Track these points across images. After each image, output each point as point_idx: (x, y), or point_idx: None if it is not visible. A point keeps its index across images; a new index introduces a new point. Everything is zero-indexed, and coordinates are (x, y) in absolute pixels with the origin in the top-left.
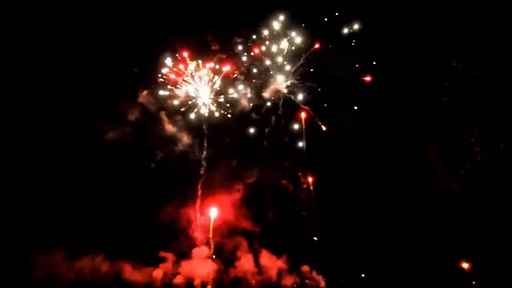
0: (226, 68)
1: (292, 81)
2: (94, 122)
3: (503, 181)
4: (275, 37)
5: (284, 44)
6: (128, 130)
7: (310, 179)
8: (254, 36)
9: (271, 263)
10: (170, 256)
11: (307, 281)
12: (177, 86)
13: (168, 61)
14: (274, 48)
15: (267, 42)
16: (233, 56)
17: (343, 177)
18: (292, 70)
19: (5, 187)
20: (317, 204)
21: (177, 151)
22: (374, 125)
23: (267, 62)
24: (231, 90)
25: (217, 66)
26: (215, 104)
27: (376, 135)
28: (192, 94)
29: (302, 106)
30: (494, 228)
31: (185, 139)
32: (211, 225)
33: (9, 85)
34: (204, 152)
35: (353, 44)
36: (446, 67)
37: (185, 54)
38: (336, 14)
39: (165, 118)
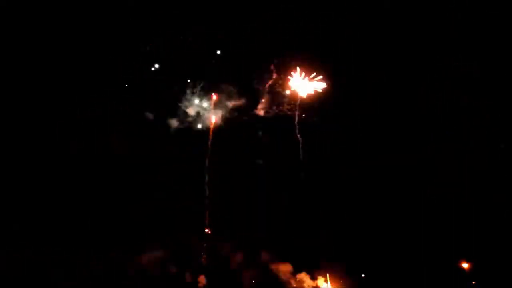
0: None
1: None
2: None
3: (503, 181)
4: None
5: None
6: None
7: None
8: None
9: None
10: None
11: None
12: None
13: None
14: None
15: None
16: None
17: (343, 176)
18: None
19: None
20: (318, 206)
21: None
22: (374, 125)
23: None
24: None
25: None
26: None
27: (376, 135)
28: None
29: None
30: (494, 228)
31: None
32: None
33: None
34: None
35: (352, 44)
36: (446, 67)
37: None
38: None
39: None
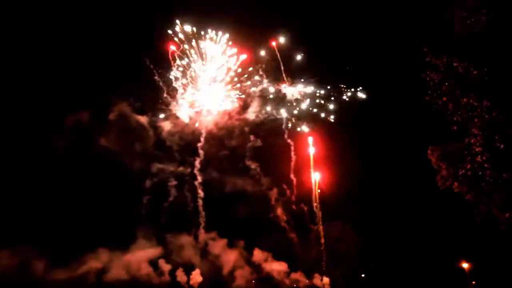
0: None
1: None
2: None
3: (503, 181)
4: None
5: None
6: None
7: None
8: None
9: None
10: None
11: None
12: None
13: None
14: None
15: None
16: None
17: (344, 176)
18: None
19: None
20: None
21: None
22: (374, 125)
23: None
24: None
25: None
26: None
27: (377, 135)
28: None
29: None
30: (494, 228)
31: None
32: None
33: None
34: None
35: (353, 43)
36: (446, 67)
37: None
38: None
39: None
